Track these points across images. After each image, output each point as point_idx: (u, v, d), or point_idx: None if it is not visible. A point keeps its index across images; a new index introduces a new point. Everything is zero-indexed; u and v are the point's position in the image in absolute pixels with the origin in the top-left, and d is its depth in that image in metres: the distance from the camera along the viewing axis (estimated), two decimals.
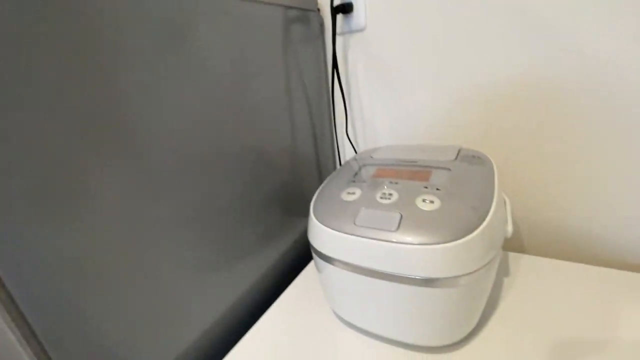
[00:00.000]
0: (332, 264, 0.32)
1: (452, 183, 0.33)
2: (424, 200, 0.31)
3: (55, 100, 0.22)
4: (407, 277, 0.28)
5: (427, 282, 0.28)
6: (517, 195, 0.51)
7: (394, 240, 0.28)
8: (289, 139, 0.51)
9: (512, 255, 0.48)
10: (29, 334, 0.22)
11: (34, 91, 0.21)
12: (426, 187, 0.32)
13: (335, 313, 0.40)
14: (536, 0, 0.41)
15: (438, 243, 0.27)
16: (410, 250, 0.27)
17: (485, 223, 0.28)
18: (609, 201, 0.45)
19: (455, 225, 0.28)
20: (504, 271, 0.45)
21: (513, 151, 0.49)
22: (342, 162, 0.65)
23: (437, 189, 0.32)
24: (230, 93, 0.39)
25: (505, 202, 0.40)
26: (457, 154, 0.40)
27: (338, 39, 0.57)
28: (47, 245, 0.23)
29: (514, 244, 0.54)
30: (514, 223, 0.53)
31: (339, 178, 0.39)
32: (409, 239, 0.28)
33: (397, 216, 0.30)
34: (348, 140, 0.61)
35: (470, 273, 0.28)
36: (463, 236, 0.27)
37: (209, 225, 0.37)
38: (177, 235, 0.33)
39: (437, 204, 0.30)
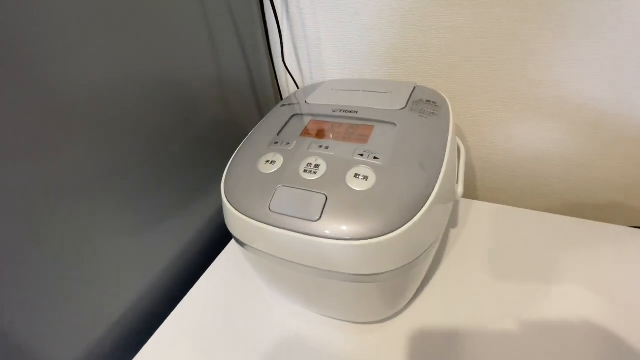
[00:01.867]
0: (249, 252, 0.27)
1: (396, 146, 0.26)
2: (356, 176, 0.24)
3: None
4: (330, 272, 0.23)
5: (353, 278, 0.23)
6: (471, 135, 0.46)
7: (315, 234, 0.22)
8: (215, 68, 0.40)
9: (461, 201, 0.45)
10: None
11: None
12: (362, 155, 0.25)
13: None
14: None
15: (365, 238, 0.21)
16: (333, 246, 0.22)
17: (426, 207, 0.22)
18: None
19: (390, 212, 0.22)
20: (451, 221, 0.42)
21: (470, 86, 0.42)
22: (284, 98, 0.55)
23: (375, 157, 0.25)
24: (133, 12, 0.26)
25: (459, 154, 0.35)
26: (409, 98, 0.32)
27: None
28: None
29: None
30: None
31: (261, 134, 0.31)
32: (331, 232, 0.22)
33: (322, 199, 0.23)
34: (286, 70, 0.50)
35: (405, 265, 0.23)
36: (397, 227, 0.21)
37: (118, 184, 0.29)
38: (82, 198, 0.26)
39: (372, 180, 0.23)
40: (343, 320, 0.32)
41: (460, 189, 0.31)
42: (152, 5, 0.30)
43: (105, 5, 0.26)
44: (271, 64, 0.51)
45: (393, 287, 0.26)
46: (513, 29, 0.36)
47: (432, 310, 0.32)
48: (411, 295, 0.31)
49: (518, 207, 0.43)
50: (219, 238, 0.45)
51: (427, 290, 0.34)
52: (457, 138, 0.37)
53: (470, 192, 0.52)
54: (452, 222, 0.42)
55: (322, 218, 0.22)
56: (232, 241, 0.43)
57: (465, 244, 0.39)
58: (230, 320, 0.33)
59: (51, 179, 0.24)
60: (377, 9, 0.41)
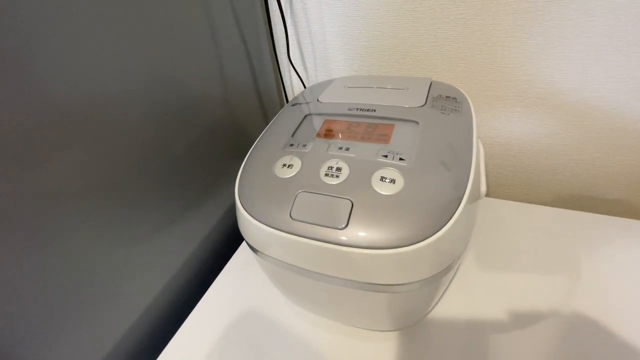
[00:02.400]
0: (264, 259, 0.25)
1: (420, 147, 0.25)
2: (382, 179, 0.22)
3: None
4: (357, 282, 0.22)
5: (382, 288, 0.22)
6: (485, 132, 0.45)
7: (342, 243, 0.21)
8: (216, 68, 0.38)
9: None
10: None
11: None
12: (386, 156, 0.24)
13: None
14: None
15: (397, 247, 0.20)
16: (362, 256, 0.20)
17: (459, 211, 0.21)
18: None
19: (421, 218, 0.20)
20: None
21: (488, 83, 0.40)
22: (289, 98, 0.53)
23: (401, 159, 0.24)
24: (131, 12, 0.24)
25: (480, 154, 0.34)
26: (427, 94, 0.31)
27: None
28: None
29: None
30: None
31: (273, 137, 0.29)
32: (360, 240, 0.20)
33: (347, 205, 0.22)
34: (291, 67, 0.48)
35: (438, 273, 0.22)
36: (431, 234, 0.20)
37: (121, 193, 0.28)
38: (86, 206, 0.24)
39: (400, 183, 0.22)
40: (362, 328, 0.31)
41: (483, 187, 0.29)
42: (154, 6, 0.28)
43: (108, 10, 0.24)
44: (275, 62, 0.49)
45: (422, 296, 0.24)
46: (524, 21, 0.35)
47: (454, 313, 0.31)
48: (435, 301, 0.30)
49: (531, 203, 0.42)
50: (227, 241, 0.44)
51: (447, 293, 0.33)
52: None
53: None
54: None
55: (349, 225, 0.21)
56: (242, 245, 0.41)
57: (485, 243, 0.38)
58: (244, 326, 0.32)
59: (59, 182, 0.23)
60: (384, 2, 0.39)
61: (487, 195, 0.50)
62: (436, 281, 0.23)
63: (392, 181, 0.22)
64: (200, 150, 0.37)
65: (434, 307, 0.31)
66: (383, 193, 0.22)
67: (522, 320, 0.30)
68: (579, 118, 0.39)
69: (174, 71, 0.32)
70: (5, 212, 0.20)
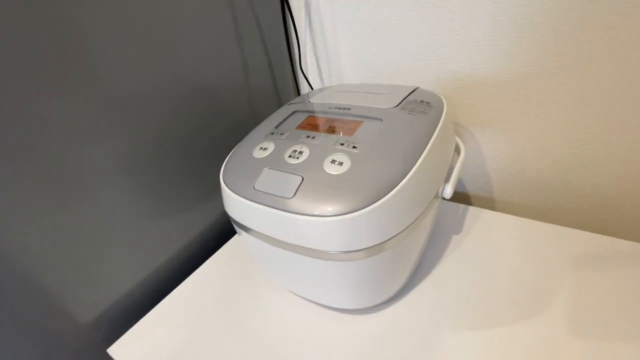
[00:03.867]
0: (240, 228, 0.30)
1: (376, 139, 0.28)
2: (332, 162, 0.26)
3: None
4: (304, 248, 0.25)
5: (325, 255, 0.25)
6: (491, 146, 0.45)
7: (288, 209, 0.25)
8: (242, 76, 0.45)
9: (474, 211, 0.44)
10: None
11: None
12: (343, 144, 0.27)
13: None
14: None
15: (331, 215, 0.23)
16: (303, 221, 0.24)
17: (391, 193, 0.24)
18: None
19: (357, 194, 0.24)
20: (452, 229, 0.42)
21: (493, 100, 0.41)
22: None
23: (354, 147, 0.27)
24: (169, 24, 0.32)
25: (459, 152, 0.35)
26: (403, 99, 0.34)
27: None
28: None
29: (482, 200, 0.50)
30: (481, 176, 0.48)
31: (262, 128, 0.34)
32: (302, 208, 0.24)
33: (298, 180, 0.25)
34: (304, 76, 0.54)
35: (371, 247, 0.24)
36: (360, 208, 0.23)
37: (150, 172, 0.36)
38: (121, 184, 0.33)
39: (346, 166, 0.25)
40: (332, 309, 0.33)
41: (449, 189, 0.31)
42: (188, 21, 0.36)
43: (146, 26, 0.32)
44: (292, 73, 0.55)
45: (364, 271, 0.27)
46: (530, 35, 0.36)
47: (419, 307, 0.32)
48: (396, 282, 0.31)
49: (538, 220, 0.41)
50: (230, 229, 0.49)
51: (417, 289, 0.34)
52: (459, 140, 0.37)
53: (485, 202, 0.50)
54: (456, 227, 0.42)
55: (295, 196, 0.25)
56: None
57: (466, 250, 0.38)
58: (224, 298, 0.37)
59: (101, 158, 0.30)
60: (391, 22, 0.43)
61: (493, 208, 0.50)
62: (370, 259, 0.25)
63: (340, 164, 0.26)
64: (218, 147, 0.43)
65: (398, 299, 0.33)
66: (331, 173, 0.25)
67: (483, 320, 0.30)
68: (583, 134, 0.38)
69: (203, 79, 0.39)
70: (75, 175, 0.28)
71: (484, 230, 0.40)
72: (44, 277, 0.29)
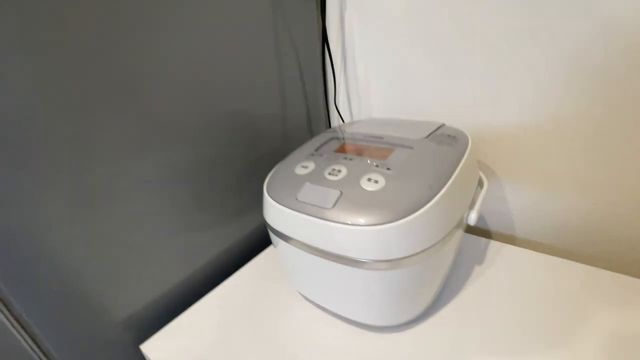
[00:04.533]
0: (279, 237, 0.33)
1: (408, 163, 0.31)
2: (369, 180, 0.29)
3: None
4: (339, 256, 0.28)
5: (356, 263, 0.27)
6: (516, 182, 0.47)
7: (327, 218, 0.27)
8: (280, 107, 0.50)
9: (495, 245, 0.46)
10: None
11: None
12: (377, 166, 0.31)
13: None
14: None
15: (366, 225, 0.26)
16: (340, 230, 0.27)
17: (419, 212, 0.26)
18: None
19: (389, 209, 0.26)
20: (475, 259, 0.43)
21: (517, 140, 0.45)
22: None
23: (388, 169, 0.30)
24: (218, 57, 0.39)
25: (482, 186, 0.38)
26: (431, 133, 0.37)
27: (334, 3, 0.52)
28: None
29: (503, 235, 0.51)
30: (502, 213, 0.49)
31: (302, 150, 0.38)
32: (341, 218, 0.27)
33: (337, 194, 0.29)
34: (336, 110, 0.59)
35: (400, 259, 0.27)
36: (392, 221, 0.26)
37: (192, 187, 0.40)
38: (162, 195, 0.37)
39: (381, 184, 0.28)
40: (357, 324, 0.35)
41: (474, 215, 0.33)
42: (236, 55, 0.42)
43: (199, 59, 0.38)
44: (326, 106, 0.61)
45: (391, 284, 0.29)
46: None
47: (441, 331, 0.33)
48: (421, 301, 0.33)
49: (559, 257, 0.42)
50: (263, 239, 0.52)
51: (440, 313, 0.35)
52: (481, 173, 0.40)
53: (507, 239, 0.51)
54: (479, 258, 0.43)
55: (334, 207, 0.28)
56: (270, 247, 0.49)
57: (487, 280, 0.39)
58: (251, 307, 0.38)
59: (148, 173, 0.35)
60: (419, 68, 0.48)
61: (513, 243, 0.50)
62: (393, 269, 0.27)
63: (376, 182, 0.29)
64: (255, 169, 0.48)
65: (421, 317, 0.34)
66: (367, 189, 0.28)
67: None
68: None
69: (246, 109, 0.44)
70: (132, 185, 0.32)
71: (506, 263, 0.41)
72: (89, 279, 0.33)
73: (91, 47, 0.28)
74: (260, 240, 0.52)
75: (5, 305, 0.27)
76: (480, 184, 0.39)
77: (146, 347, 0.35)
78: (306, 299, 0.39)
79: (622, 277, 0.37)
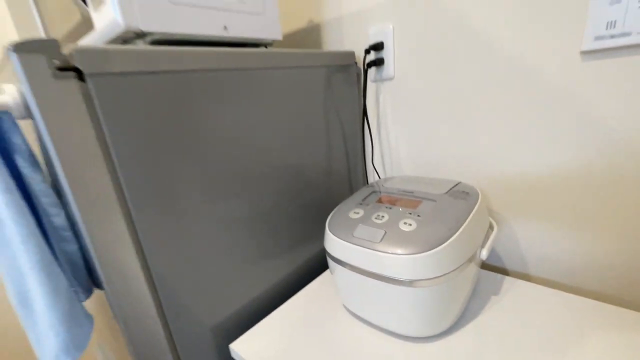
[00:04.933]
0: (337, 264, 0.45)
1: (432, 212, 0.43)
2: (405, 223, 0.42)
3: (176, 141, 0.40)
4: (384, 276, 0.40)
5: (395, 282, 0.39)
6: (526, 226, 0.58)
7: (377, 249, 0.40)
8: (327, 165, 0.65)
9: (509, 280, 0.55)
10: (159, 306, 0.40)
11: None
12: (410, 214, 0.44)
13: (343, 305, 0.52)
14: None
15: (404, 254, 0.38)
16: (386, 257, 0.39)
17: (440, 247, 0.38)
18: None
19: (420, 244, 0.39)
20: (491, 291, 0.52)
21: (523, 199, 0.56)
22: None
23: (418, 216, 0.43)
24: (280, 128, 0.54)
25: (492, 229, 0.49)
26: (450, 189, 0.50)
27: (372, 85, 0.69)
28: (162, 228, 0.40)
29: (519, 273, 0.60)
30: (514, 253, 0.59)
31: (353, 199, 0.52)
32: (386, 249, 0.39)
33: (382, 232, 0.41)
34: (373, 168, 0.73)
35: (429, 279, 0.38)
36: (422, 252, 0.38)
37: (261, 226, 0.53)
38: (241, 231, 0.50)
39: (414, 227, 0.41)
40: (396, 335, 0.45)
41: (485, 251, 0.44)
42: (295, 125, 0.58)
43: (271, 126, 0.54)
44: (364, 167, 0.75)
45: (423, 299, 0.40)
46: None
47: (465, 344, 0.43)
48: (448, 316, 0.43)
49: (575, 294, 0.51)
50: (318, 268, 0.64)
51: (462, 330, 0.45)
52: (491, 219, 0.51)
53: (521, 276, 0.60)
54: (495, 290, 0.52)
55: (381, 242, 0.40)
56: (325, 273, 0.61)
57: (501, 307, 0.48)
58: (312, 317, 0.50)
59: (235, 211, 0.49)
60: (439, 136, 0.62)
61: (527, 279, 0.59)
62: (429, 287, 0.38)
63: (410, 225, 0.41)
64: (309, 208, 0.62)
65: (449, 330, 0.44)
66: (404, 230, 0.41)
67: None
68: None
69: (302, 164, 0.60)
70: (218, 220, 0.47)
71: (516, 294, 0.50)
72: (191, 293, 0.46)
73: (185, 127, 0.45)
74: (315, 268, 0.64)
75: (155, 305, 0.41)
76: (491, 227, 0.50)
77: (234, 345, 0.47)
78: (352, 314, 0.50)
79: (629, 312, 0.45)
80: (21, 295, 0.35)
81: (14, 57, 0.29)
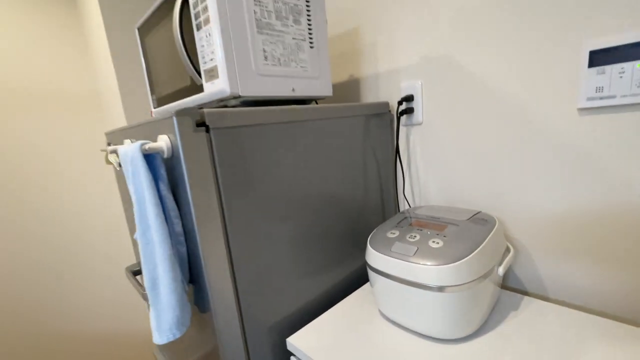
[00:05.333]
0: (377, 274, 0.56)
1: (456, 234, 0.54)
2: (433, 242, 0.52)
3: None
4: (416, 283, 0.50)
5: (426, 287, 0.49)
6: (542, 251, 0.66)
7: (410, 261, 0.51)
8: (365, 195, 0.78)
9: (528, 299, 0.62)
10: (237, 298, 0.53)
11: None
12: (438, 235, 0.54)
13: (380, 312, 0.62)
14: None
15: (433, 265, 0.49)
16: (418, 267, 0.50)
17: (462, 261, 0.48)
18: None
19: (446, 258, 0.49)
20: (511, 307, 0.60)
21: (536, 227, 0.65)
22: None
23: (444, 236, 0.53)
24: (329, 165, 0.68)
25: (509, 251, 0.58)
26: (471, 217, 0.60)
27: (403, 130, 0.83)
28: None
29: (537, 293, 0.67)
30: (529, 272, 0.67)
31: (389, 223, 0.63)
32: (418, 261, 0.50)
33: (415, 249, 0.52)
34: (404, 198, 0.84)
35: (454, 285, 0.48)
36: (448, 263, 0.48)
37: (312, 245, 0.66)
38: (297, 249, 0.63)
39: (440, 245, 0.52)
40: (426, 337, 0.54)
41: (501, 269, 0.53)
42: (337, 160, 0.71)
43: (321, 160, 0.68)
44: (396, 195, 0.87)
45: (450, 303, 0.49)
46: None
47: (487, 350, 0.51)
48: (473, 321, 0.52)
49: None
50: (356, 281, 0.74)
51: (484, 337, 0.53)
52: (509, 243, 0.60)
53: (540, 297, 0.66)
54: (515, 306, 0.60)
55: (414, 256, 0.51)
56: (364, 286, 0.71)
57: (519, 322, 0.56)
58: (353, 320, 0.60)
59: (292, 232, 0.62)
60: (461, 172, 0.73)
61: (546, 300, 0.66)
62: (453, 293, 0.48)
63: (438, 243, 0.52)
64: (350, 232, 0.74)
65: (473, 335, 0.52)
66: (432, 247, 0.52)
67: None
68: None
69: (343, 194, 0.72)
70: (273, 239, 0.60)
71: (533, 311, 0.58)
72: (257, 300, 0.58)
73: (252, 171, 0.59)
74: (353, 282, 0.74)
75: (235, 298, 0.53)
76: (508, 250, 0.59)
77: (290, 339, 0.58)
78: (387, 318, 0.59)
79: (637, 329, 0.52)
80: (152, 280, 0.49)
81: (174, 118, 0.45)
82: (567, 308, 0.58)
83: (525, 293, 0.68)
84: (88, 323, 1.25)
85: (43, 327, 1.14)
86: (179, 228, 0.51)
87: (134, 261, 1.34)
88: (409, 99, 0.78)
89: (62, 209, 1.15)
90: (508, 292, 0.66)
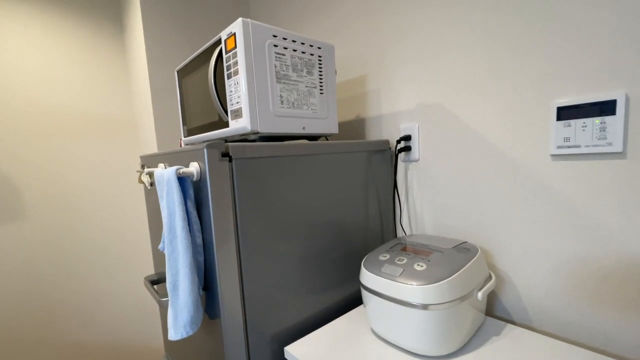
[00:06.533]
0: (368, 292, 0.63)
1: (439, 259, 0.61)
2: (418, 265, 0.60)
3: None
4: (402, 300, 0.57)
5: (410, 305, 0.56)
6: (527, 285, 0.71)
7: (397, 281, 0.58)
8: (365, 223, 0.86)
9: (510, 327, 0.67)
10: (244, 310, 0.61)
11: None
12: (423, 259, 0.61)
13: (371, 329, 0.68)
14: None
15: (415, 285, 0.55)
16: (403, 286, 0.56)
17: (442, 282, 0.55)
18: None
19: (427, 279, 0.56)
20: (494, 332, 0.65)
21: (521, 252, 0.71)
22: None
23: (428, 261, 0.60)
24: (334, 194, 0.77)
25: (491, 279, 0.64)
26: (456, 245, 0.67)
27: (402, 165, 0.92)
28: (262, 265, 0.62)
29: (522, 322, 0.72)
30: (515, 303, 0.71)
31: (383, 247, 0.71)
32: (403, 281, 0.57)
33: (401, 270, 0.59)
34: (401, 227, 0.92)
35: (436, 304, 0.54)
36: (426, 284, 0.55)
37: (317, 266, 0.73)
38: (300, 269, 0.70)
39: (424, 268, 0.59)
40: (411, 353, 0.59)
41: (480, 294, 0.60)
42: (340, 192, 0.80)
43: (333, 192, 0.77)
44: (394, 224, 0.94)
45: (432, 321, 0.55)
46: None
47: None
48: (455, 340, 0.57)
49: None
50: (353, 302, 0.80)
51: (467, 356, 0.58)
52: (491, 272, 0.66)
53: (525, 327, 0.71)
54: (497, 332, 0.65)
55: (400, 276, 0.58)
56: (359, 307, 0.77)
57: (500, 346, 0.61)
58: (346, 336, 0.66)
59: (297, 250, 0.70)
60: (453, 206, 0.81)
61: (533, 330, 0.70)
62: (434, 311, 0.54)
63: (422, 266, 0.59)
64: (349, 255, 0.81)
65: (455, 353, 0.58)
66: (417, 269, 0.59)
67: None
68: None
69: (345, 222, 0.81)
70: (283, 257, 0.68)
71: (515, 338, 0.62)
72: (260, 312, 0.66)
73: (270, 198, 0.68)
74: (350, 302, 0.80)
75: (242, 310, 0.61)
76: (490, 277, 0.65)
77: (288, 348, 0.64)
78: (378, 335, 0.65)
79: None
80: (174, 283, 0.57)
81: (205, 150, 0.55)
82: (550, 338, 0.63)
83: (512, 322, 0.73)
84: (104, 331, 1.32)
85: (66, 335, 1.22)
86: (199, 240, 0.60)
87: (152, 272, 1.43)
88: (407, 138, 0.88)
89: (92, 224, 1.27)
90: (493, 319, 0.70)
